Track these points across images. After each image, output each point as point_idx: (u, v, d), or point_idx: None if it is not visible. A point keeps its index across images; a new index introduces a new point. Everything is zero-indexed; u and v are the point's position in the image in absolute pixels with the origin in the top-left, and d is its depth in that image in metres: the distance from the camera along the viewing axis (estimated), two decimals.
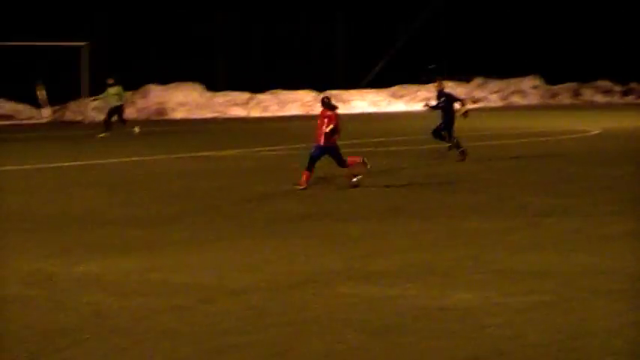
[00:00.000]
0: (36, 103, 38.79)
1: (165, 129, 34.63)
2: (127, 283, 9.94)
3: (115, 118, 30.38)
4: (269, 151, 25.09)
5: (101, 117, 39.63)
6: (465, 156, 21.39)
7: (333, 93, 24.35)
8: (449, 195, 16.49)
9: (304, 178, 16.99)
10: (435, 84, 22.39)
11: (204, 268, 10.65)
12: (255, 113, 43.02)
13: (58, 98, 38.72)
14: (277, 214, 14.57)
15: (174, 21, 46.48)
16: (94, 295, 9.43)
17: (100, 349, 7.67)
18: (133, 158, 23.31)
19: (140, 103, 41.70)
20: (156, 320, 8.49)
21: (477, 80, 53.64)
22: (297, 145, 25.76)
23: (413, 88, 49.88)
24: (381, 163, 21.56)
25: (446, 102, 21.64)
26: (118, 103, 30.45)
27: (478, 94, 52.01)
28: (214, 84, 44.86)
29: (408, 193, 16.95)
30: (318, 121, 17.22)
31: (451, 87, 50.74)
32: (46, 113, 38.59)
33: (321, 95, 19.48)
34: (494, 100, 52.11)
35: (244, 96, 44.10)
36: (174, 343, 7.79)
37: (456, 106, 21.97)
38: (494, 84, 53.51)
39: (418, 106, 47.36)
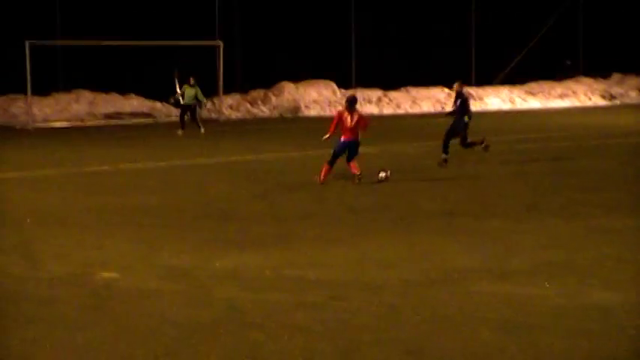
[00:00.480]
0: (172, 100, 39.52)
1: (298, 126, 34.87)
2: (262, 278, 10.00)
3: (187, 117, 30.80)
4: (401, 147, 24.96)
5: (236, 114, 40.35)
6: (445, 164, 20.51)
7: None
8: (587, 192, 16.10)
9: (324, 172, 17.70)
10: (455, 85, 21.46)
11: (337, 264, 10.64)
12: (388, 111, 42.93)
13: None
14: (410, 211, 14.47)
15: (308, 19, 46.79)
16: (229, 290, 9.52)
17: (235, 344, 7.73)
18: (268, 155, 23.51)
19: (274, 100, 42.10)
20: (290, 316, 8.51)
21: (616, 76, 52.35)
22: (430, 142, 25.57)
23: (548, 84, 49.01)
24: (514, 162, 21.26)
25: (461, 105, 20.79)
26: (192, 102, 30.88)
27: (616, 90, 50.74)
28: (347, 82, 44.96)
29: (545, 190, 16.61)
30: (347, 118, 17.63)
31: (588, 83, 49.89)
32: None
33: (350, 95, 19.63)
34: (633, 97, 50.76)
35: (377, 93, 44.07)
36: (308, 338, 7.79)
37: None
38: (634, 80, 52.12)
39: (554, 103, 46.65)
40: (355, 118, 17.69)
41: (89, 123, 37.24)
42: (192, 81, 31.15)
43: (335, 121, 17.85)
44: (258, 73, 43.84)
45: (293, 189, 17.36)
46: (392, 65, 46.00)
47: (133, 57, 39.23)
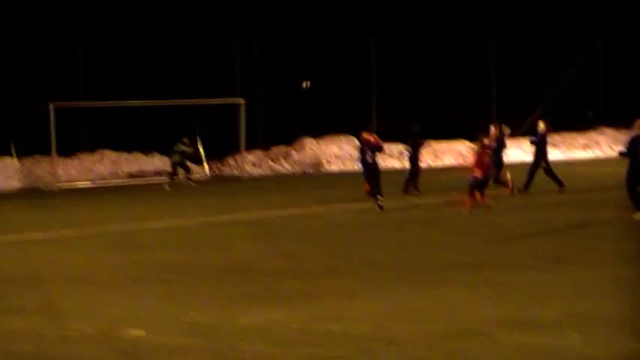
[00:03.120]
0: (196, 160, 39.78)
1: (320, 181, 34.95)
2: (288, 333, 9.99)
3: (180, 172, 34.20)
4: (422, 200, 24.96)
5: (258, 171, 40.50)
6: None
7: (486, 142, 24.21)
8: (611, 242, 16.03)
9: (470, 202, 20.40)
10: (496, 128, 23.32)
11: (363, 318, 10.62)
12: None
13: (217, 154, 39.63)
14: (434, 263, 14.45)
15: (327, 74, 47.17)
16: (255, 345, 9.51)
17: None
18: (290, 210, 23.56)
19: (296, 155, 42.25)
20: None
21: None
22: (453, 194, 25.58)
23: (570, 135, 49.00)
24: (537, 212, 21.22)
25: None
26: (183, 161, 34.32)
27: None
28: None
29: (569, 240, 16.55)
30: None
31: (611, 134, 49.79)
32: (204, 169, 39.50)
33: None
34: None
35: (398, 147, 44.17)
36: None
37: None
38: None
39: (576, 154, 46.57)
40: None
41: (113, 182, 37.47)
42: (186, 141, 34.19)
43: (476, 159, 20.76)
44: (279, 129, 44.10)
45: (316, 244, 17.38)
46: (413, 119, 46.07)
47: (156, 116, 39.56)
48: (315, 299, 11.84)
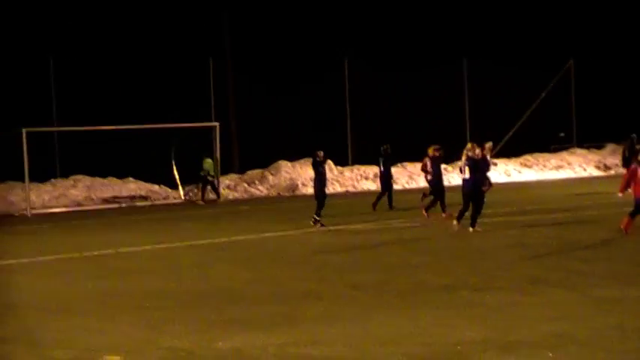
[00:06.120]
0: (171, 184, 39.76)
1: (296, 205, 34.99)
2: (266, 357, 10.00)
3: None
4: (401, 222, 25.05)
5: (234, 194, 40.50)
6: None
7: (459, 163, 24.59)
8: (586, 263, 16.15)
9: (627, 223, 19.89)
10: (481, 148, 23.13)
11: (341, 342, 10.64)
12: None
13: (193, 178, 39.63)
14: (412, 286, 14.49)
15: (301, 98, 47.34)
16: None
17: None
18: (266, 234, 23.57)
19: (271, 179, 42.31)
20: None
21: (609, 147, 52.76)
22: (428, 217, 25.66)
23: (543, 156, 49.37)
24: (512, 233, 21.33)
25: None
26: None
27: (611, 160, 51.06)
28: (344, 159, 45.27)
29: (545, 261, 16.65)
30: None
31: (583, 154, 50.16)
32: (180, 193, 39.50)
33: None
34: None
35: (373, 169, 44.33)
36: None
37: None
38: None
39: (549, 175, 46.87)
40: None
41: (87, 208, 37.35)
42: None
43: (627, 178, 20.11)
44: (255, 153, 44.17)
45: (294, 267, 17.40)
46: (388, 142, 46.29)
47: (130, 141, 39.55)
48: (293, 323, 11.86)
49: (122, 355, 10.36)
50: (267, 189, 41.66)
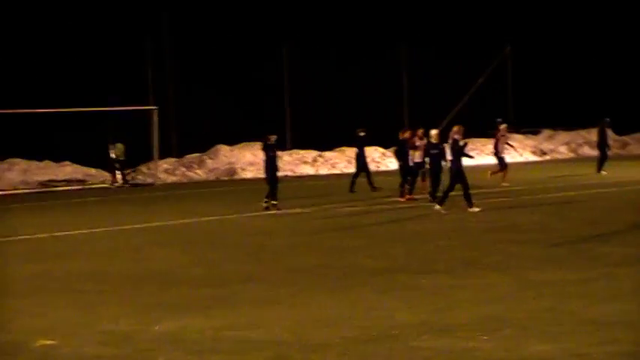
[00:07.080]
0: (108, 167, 39.41)
1: (235, 188, 34.92)
2: (203, 341, 9.99)
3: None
4: (338, 207, 25.13)
5: (172, 178, 40.27)
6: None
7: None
8: (521, 246, 16.35)
9: None
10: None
11: (278, 324, 10.66)
12: (323, 170, 43.22)
13: (129, 162, 39.27)
14: (350, 270, 14.56)
15: (243, 81, 47.22)
16: (170, 353, 9.49)
17: None
18: (205, 218, 23.50)
19: (210, 163, 42.15)
20: None
21: (546, 132, 53.39)
22: (368, 200, 25.78)
23: (480, 141, 49.75)
24: (452, 218, 21.52)
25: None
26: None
27: (547, 146, 51.70)
28: (282, 143, 45.24)
29: (481, 245, 16.83)
30: None
31: (519, 140, 50.67)
32: (117, 177, 39.17)
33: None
34: (563, 152, 51.71)
35: (312, 154, 44.38)
36: None
37: None
38: (563, 135, 53.14)
39: (486, 160, 47.26)
40: None
41: (23, 191, 36.91)
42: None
43: None
44: (193, 136, 43.94)
45: (232, 251, 17.39)
46: (327, 126, 46.33)
47: (67, 124, 39.10)
48: (231, 306, 11.85)
49: (58, 338, 10.27)
50: (206, 173, 41.51)
